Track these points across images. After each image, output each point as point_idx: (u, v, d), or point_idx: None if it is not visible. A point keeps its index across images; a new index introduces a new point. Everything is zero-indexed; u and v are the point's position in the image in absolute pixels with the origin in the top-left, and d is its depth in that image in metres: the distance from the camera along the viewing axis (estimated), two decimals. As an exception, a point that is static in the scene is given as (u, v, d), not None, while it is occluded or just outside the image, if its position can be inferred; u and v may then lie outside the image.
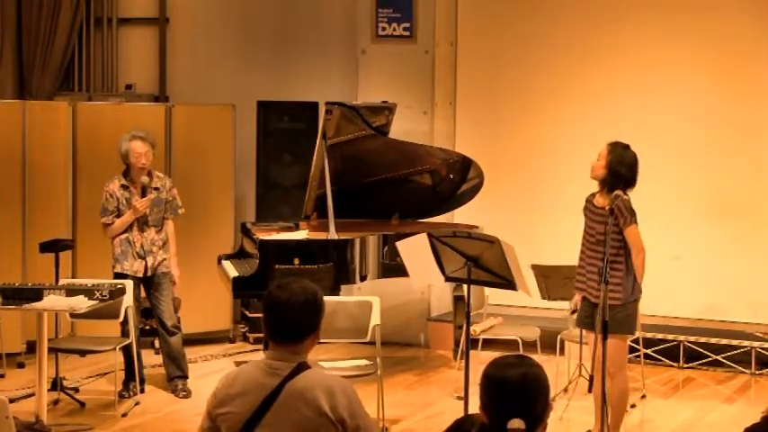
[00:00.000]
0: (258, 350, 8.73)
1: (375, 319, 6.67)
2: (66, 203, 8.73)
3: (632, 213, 6.06)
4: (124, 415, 7.08)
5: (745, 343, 8.32)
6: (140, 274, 7.35)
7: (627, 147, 6.16)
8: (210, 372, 8.02)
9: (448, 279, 6.10)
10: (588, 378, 6.19)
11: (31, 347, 7.50)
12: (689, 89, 8.76)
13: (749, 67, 8.65)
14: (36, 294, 6.42)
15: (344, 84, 9.51)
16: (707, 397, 7.78)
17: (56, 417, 6.91)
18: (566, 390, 7.38)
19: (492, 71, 9.40)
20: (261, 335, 8.31)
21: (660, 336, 8.46)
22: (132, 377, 7.43)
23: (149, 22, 10.42)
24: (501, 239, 5.77)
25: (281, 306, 3.42)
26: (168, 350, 7.51)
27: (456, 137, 9.42)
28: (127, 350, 7.31)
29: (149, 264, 7.36)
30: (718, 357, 8.37)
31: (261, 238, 7.56)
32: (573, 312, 6.50)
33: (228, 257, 8.02)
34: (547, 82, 9.16)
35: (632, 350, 7.20)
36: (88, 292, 6.48)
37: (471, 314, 6.08)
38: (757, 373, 8.27)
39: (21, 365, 8.17)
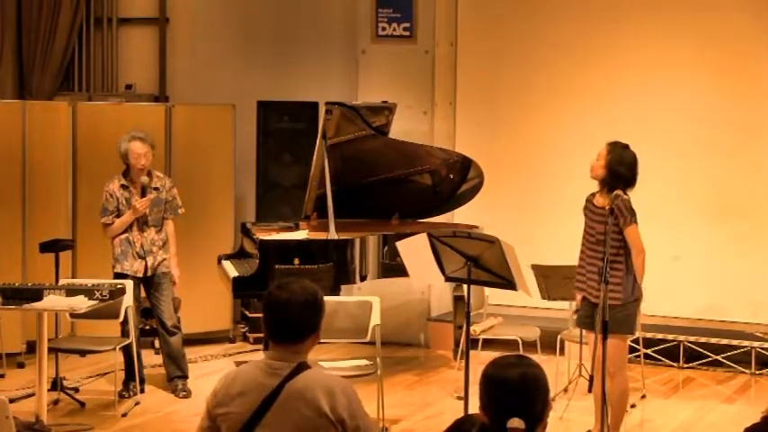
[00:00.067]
0: (258, 350, 8.72)
1: (375, 319, 6.66)
2: (67, 203, 8.73)
3: (632, 213, 6.05)
4: (124, 415, 7.08)
5: (745, 343, 8.32)
6: (140, 274, 7.35)
7: (626, 146, 6.16)
8: (210, 372, 8.02)
9: (448, 279, 6.09)
10: (588, 378, 6.18)
11: (31, 347, 7.50)
12: (689, 89, 8.76)
13: (749, 67, 8.65)
14: (36, 294, 6.42)
15: (344, 84, 9.51)
16: (707, 397, 7.78)
17: (56, 417, 6.90)
18: (566, 390, 7.38)
19: (492, 71, 9.39)
20: (261, 335, 8.31)
21: (660, 336, 8.46)
22: (132, 377, 7.43)
23: (149, 22, 10.42)
24: (501, 239, 5.77)
25: (281, 306, 3.42)
26: (168, 350, 7.51)
27: (456, 137, 9.42)
28: (127, 350, 7.31)
29: (149, 264, 7.36)
30: (719, 357, 8.37)
31: (261, 238, 7.56)
32: (576, 312, 6.50)
33: (228, 257, 8.02)
34: (547, 82, 9.16)
35: (632, 350, 7.20)
36: (88, 292, 6.48)
37: (471, 314, 6.08)
38: (757, 373, 8.27)
39: (21, 365, 8.16)
